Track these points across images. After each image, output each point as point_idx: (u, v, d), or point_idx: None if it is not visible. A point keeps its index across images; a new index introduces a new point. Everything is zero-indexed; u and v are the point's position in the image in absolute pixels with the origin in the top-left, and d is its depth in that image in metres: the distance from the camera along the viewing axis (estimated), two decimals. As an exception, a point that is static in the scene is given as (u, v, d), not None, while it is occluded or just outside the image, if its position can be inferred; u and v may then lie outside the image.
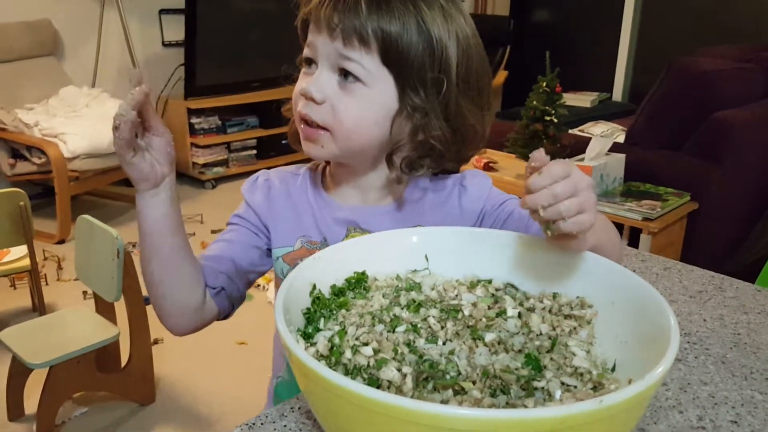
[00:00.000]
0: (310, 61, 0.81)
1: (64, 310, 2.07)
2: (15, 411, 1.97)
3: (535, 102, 2.52)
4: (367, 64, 0.77)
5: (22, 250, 2.33)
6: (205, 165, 4.12)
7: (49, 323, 1.95)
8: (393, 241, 0.75)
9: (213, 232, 3.32)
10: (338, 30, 0.76)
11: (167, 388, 2.14)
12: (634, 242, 2.29)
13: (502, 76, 4.81)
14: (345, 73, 0.77)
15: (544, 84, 2.51)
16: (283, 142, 4.10)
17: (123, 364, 1.99)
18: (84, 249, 1.92)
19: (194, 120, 4.06)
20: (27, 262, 2.31)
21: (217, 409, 2.04)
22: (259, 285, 2.74)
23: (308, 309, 0.66)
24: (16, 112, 3.28)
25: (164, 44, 4.23)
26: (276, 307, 0.59)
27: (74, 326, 1.91)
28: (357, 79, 0.77)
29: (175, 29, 4.14)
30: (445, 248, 0.75)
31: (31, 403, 1.95)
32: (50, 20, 3.66)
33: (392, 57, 0.76)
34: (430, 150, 0.81)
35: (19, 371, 1.93)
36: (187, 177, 4.14)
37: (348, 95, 0.78)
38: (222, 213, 3.90)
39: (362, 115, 0.79)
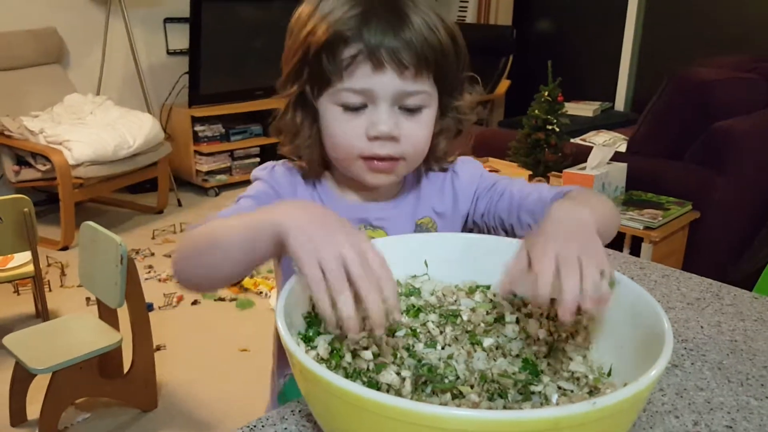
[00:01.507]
0: (358, 106, 0.77)
1: (67, 316, 2.08)
2: (18, 416, 1.97)
3: (537, 111, 2.53)
4: (427, 87, 0.79)
5: (26, 256, 2.34)
6: (208, 173, 4.14)
7: (52, 329, 1.96)
8: (393, 246, 0.76)
9: (216, 239, 3.33)
10: (411, 67, 0.74)
11: (169, 394, 2.14)
12: (635, 251, 2.29)
13: (504, 85, 4.83)
14: (409, 108, 0.78)
15: (546, 93, 2.52)
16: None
17: (125, 370, 1.99)
18: (87, 255, 1.93)
19: (198, 128, 4.08)
20: (31, 268, 2.32)
21: (219, 415, 2.05)
22: (261, 292, 2.74)
23: (309, 313, 0.67)
24: (21, 120, 3.31)
25: (169, 53, 4.27)
26: (277, 310, 0.60)
27: (77, 332, 1.92)
28: (422, 106, 0.79)
29: (180, 38, 4.18)
30: (444, 254, 0.76)
31: (33, 408, 1.96)
32: (55, 28, 3.69)
33: (441, 71, 0.79)
34: (457, 136, 0.87)
35: (22, 377, 1.93)
36: (190, 185, 4.17)
37: (413, 121, 0.80)
38: (225, 220, 3.91)
39: (428, 134, 0.82)
